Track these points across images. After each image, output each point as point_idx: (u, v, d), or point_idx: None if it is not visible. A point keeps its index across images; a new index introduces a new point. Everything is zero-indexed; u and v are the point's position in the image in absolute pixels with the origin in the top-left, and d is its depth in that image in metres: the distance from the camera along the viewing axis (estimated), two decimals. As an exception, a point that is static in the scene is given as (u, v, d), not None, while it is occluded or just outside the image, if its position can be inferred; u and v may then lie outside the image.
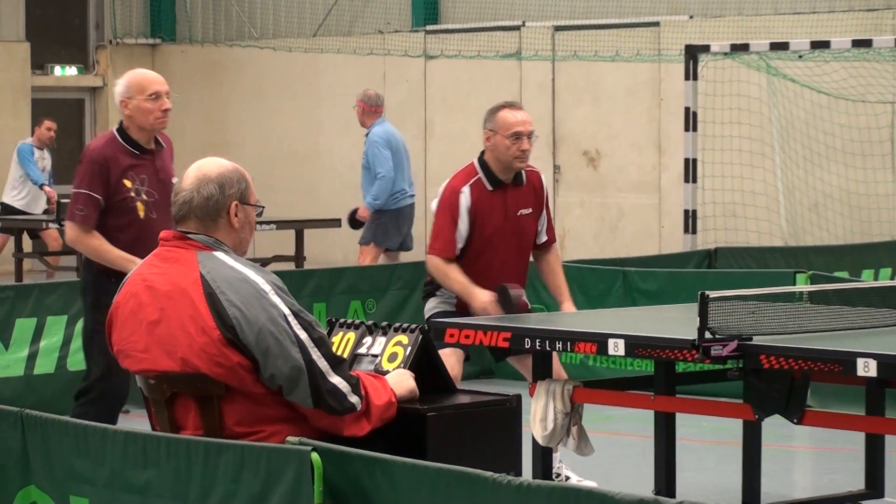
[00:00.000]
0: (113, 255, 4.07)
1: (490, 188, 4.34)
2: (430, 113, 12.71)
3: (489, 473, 1.97)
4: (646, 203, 11.61)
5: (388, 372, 2.65)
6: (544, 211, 4.52)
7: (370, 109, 8.83)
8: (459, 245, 4.31)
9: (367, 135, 8.82)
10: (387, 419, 2.51)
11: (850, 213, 10.28)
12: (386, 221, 8.82)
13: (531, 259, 4.60)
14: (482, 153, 4.40)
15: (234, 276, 2.46)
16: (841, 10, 10.77)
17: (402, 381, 2.59)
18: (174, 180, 3.88)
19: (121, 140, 4.19)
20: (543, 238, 4.54)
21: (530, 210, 4.43)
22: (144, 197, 4.15)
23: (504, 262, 4.38)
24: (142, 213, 4.17)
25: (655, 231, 11.56)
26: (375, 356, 2.74)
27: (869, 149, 10.13)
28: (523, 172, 4.40)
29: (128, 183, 4.14)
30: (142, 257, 2.91)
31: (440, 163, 11.66)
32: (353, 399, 2.45)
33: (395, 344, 2.73)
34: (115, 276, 3.64)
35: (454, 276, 4.28)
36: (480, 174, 4.36)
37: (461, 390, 3.01)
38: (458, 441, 2.63)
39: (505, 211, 4.36)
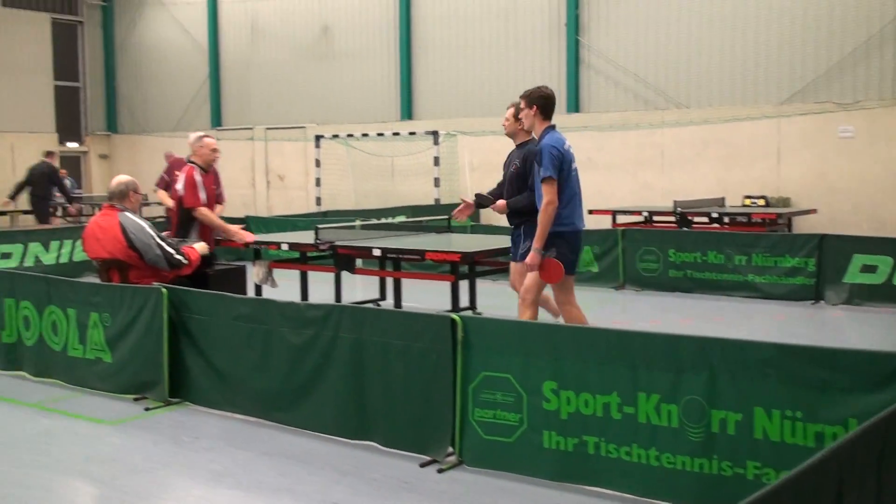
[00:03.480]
0: None
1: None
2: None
3: (241, 296, 6.26)
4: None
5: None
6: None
7: None
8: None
9: None
10: (196, 265, 6.70)
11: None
12: None
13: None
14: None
15: (133, 221, 6.49)
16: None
17: (201, 249, 6.83)
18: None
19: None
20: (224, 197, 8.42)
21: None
22: None
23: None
24: None
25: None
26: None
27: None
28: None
29: None
30: None
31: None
32: (182, 259, 6.59)
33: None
34: None
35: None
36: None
37: (220, 263, 7.33)
38: (222, 283, 6.86)
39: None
